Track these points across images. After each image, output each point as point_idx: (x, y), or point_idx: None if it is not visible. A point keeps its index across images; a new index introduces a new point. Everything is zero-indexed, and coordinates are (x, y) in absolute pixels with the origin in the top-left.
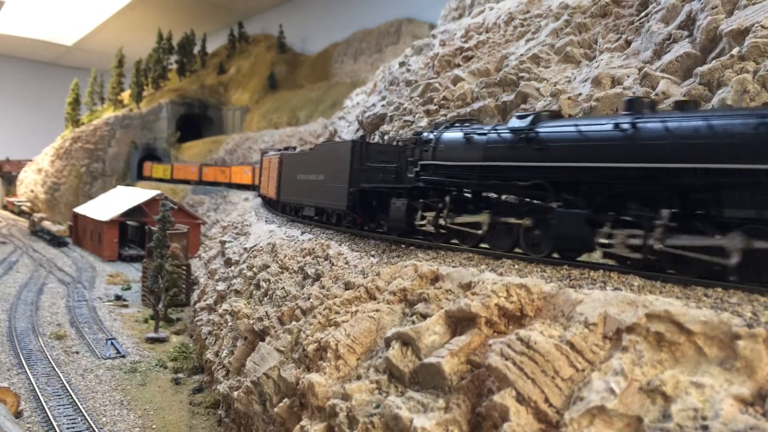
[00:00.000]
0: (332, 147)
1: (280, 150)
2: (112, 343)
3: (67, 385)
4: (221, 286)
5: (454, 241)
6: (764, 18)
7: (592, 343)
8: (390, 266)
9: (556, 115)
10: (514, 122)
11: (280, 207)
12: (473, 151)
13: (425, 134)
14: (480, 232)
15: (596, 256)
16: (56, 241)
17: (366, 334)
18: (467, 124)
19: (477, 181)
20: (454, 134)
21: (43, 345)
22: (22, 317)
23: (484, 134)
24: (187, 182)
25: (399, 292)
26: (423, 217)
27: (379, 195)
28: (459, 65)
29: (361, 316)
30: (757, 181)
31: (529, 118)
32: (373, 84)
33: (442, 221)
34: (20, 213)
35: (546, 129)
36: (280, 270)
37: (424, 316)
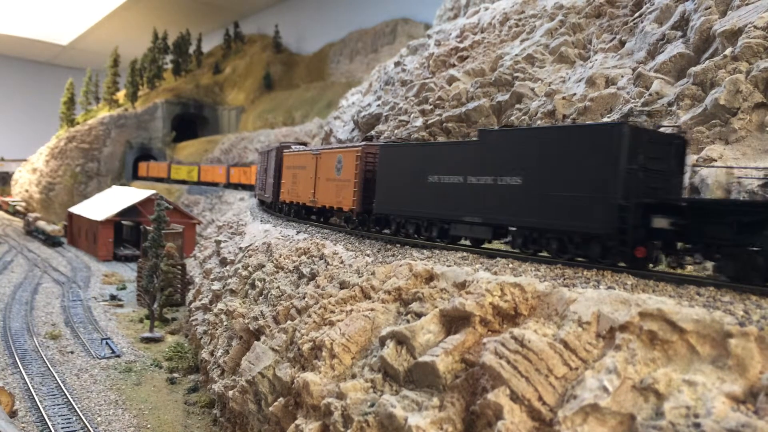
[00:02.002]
0: (555, 134)
1: (298, 144)
2: (107, 343)
3: (61, 384)
4: (216, 286)
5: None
6: (757, 18)
7: (585, 341)
8: (385, 265)
9: None
10: None
11: (356, 221)
12: None
13: None
14: None
15: None
16: (51, 241)
17: (361, 333)
18: None
19: None
20: None
21: (37, 345)
22: (16, 317)
23: None
24: (215, 185)
25: (394, 291)
26: None
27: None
28: (454, 65)
29: (356, 315)
30: None
31: None
32: (368, 84)
33: None
34: (15, 213)
35: None
36: (275, 269)
37: (419, 315)
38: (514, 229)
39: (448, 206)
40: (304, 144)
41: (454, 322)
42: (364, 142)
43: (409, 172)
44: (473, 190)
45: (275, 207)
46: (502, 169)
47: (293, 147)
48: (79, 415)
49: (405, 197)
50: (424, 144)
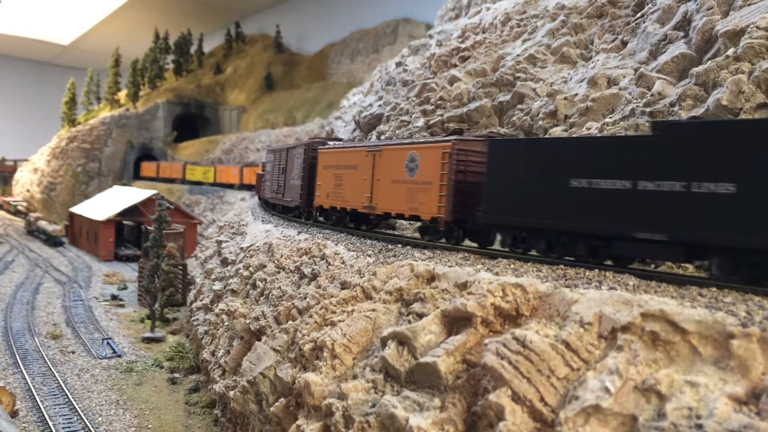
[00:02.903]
0: None
1: (333, 140)
2: (108, 343)
3: (62, 384)
4: (218, 286)
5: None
6: (760, 19)
7: (587, 342)
8: (386, 266)
9: None
10: None
11: (443, 232)
12: None
13: None
14: None
15: None
16: (52, 241)
17: (362, 334)
18: None
19: None
20: None
21: (39, 345)
22: (18, 317)
23: None
24: (231, 186)
25: (395, 291)
26: None
27: None
28: (455, 65)
29: (357, 315)
30: None
31: None
32: (369, 84)
33: None
34: (16, 213)
35: None
36: (276, 270)
37: (420, 316)
38: (715, 249)
39: (606, 218)
40: (339, 139)
41: (455, 322)
42: (454, 137)
43: (538, 173)
44: (649, 199)
45: (304, 213)
46: (701, 172)
47: (330, 143)
48: (80, 415)
49: (531, 205)
50: (563, 140)
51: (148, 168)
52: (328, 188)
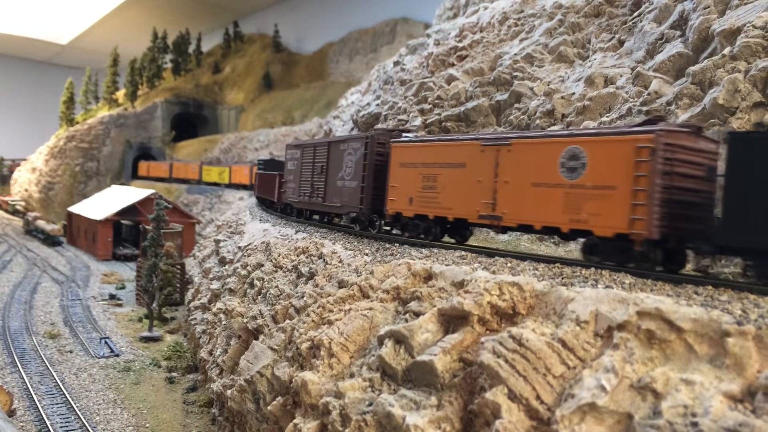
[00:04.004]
0: None
1: (408, 133)
2: (106, 342)
3: (60, 384)
4: (215, 285)
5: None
6: (756, 18)
7: (583, 340)
8: (383, 265)
9: None
10: None
11: (644, 254)
12: None
13: None
14: None
15: None
16: (50, 241)
17: (359, 333)
18: None
19: None
20: None
21: (36, 344)
22: (15, 316)
23: None
24: (244, 186)
25: (392, 290)
26: None
27: None
28: (453, 64)
29: (354, 314)
30: None
31: None
32: (367, 83)
33: None
34: (14, 212)
35: None
36: (274, 269)
37: (417, 315)
38: None
39: None
40: (407, 131)
41: (452, 321)
42: (656, 126)
43: None
44: None
45: (365, 221)
46: None
47: (407, 135)
48: (77, 414)
49: None
50: None
51: (156, 168)
52: (412, 191)
